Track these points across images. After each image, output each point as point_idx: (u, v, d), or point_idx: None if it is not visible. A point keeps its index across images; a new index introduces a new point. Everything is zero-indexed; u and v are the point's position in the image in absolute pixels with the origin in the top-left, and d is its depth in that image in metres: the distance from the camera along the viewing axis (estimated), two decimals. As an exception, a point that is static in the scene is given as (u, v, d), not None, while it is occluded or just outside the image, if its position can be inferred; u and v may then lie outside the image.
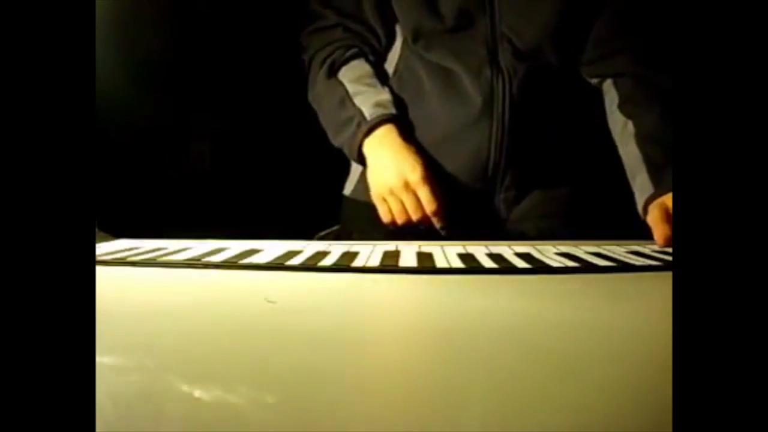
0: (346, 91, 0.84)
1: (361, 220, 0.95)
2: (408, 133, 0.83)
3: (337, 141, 0.86)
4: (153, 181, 2.01)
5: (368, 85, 0.85)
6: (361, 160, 0.84)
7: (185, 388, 0.22)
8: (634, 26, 0.84)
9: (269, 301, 0.39)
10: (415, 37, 0.84)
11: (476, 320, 0.35)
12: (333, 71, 0.86)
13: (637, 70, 0.83)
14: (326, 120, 0.88)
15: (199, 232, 0.75)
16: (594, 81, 0.88)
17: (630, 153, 0.80)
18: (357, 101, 0.83)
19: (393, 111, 0.83)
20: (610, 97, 0.85)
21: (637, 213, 0.76)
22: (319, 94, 0.88)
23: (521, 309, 0.39)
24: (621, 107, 0.83)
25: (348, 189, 0.99)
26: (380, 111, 0.82)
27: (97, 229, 0.69)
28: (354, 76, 0.86)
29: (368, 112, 0.81)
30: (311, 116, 0.91)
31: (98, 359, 0.24)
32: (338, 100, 0.84)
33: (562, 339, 0.32)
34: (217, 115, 2.08)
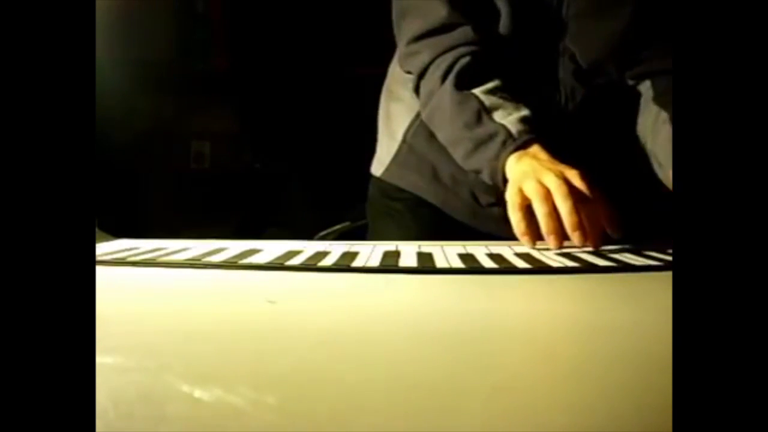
0: (482, 104, 0.73)
1: (396, 203, 0.92)
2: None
3: (471, 161, 0.74)
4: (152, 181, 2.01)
5: (504, 98, 0.74)
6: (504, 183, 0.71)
7: (185, 388, 0.22)
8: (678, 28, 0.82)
9: (269, 302, 0.39)
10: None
11: (476, 320, 0.35)
12: (464, 82, 0.74)
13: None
14: (454, 138, 0.76)
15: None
16: (632, 82, 0.85)
17: (662, 135, 0.76)
18: (497, 116, 0.72)
19: (537, 131, 0.71)
20: (647, 94, 0.83)
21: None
22: (442, 108, 0.76)
23: (521, 309, 0.39)
24: (656, 99, 0.80)
25: (378, 169, 0.95)
26: (527, 128, 0.71)
27: (97, 229, 0.69)
28: (486, 87, 0.74)
29: (514, 128, 0.70)
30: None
31: (98, 359, 0.24)
32: (473, 115, 0.72)
33: (563, 339, 0.32)
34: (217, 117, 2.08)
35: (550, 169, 0.64)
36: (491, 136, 0.71)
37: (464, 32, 0.76)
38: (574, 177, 0.63)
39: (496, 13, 0.77)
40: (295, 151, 2.12)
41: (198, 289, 0.46)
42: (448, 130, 0.77)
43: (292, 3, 2.07)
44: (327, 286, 0.47)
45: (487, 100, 0.73)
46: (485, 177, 0.73)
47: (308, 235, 1.11)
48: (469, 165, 0.75)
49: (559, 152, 0.70)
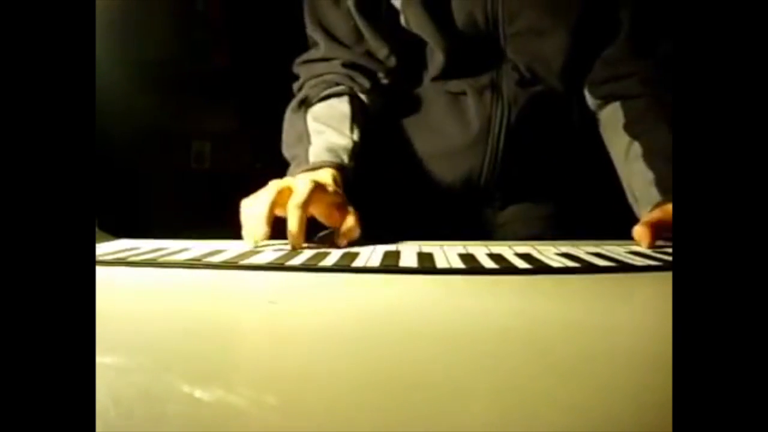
0: (307, 129, 0.79)
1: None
2: (350, 186, 0.73)
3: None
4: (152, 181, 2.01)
5: (333, 127, 0.78)
6: None
7: (185, 388, 0.22)
8: (649, 49, 0.82)
9: (270, 302, 0.39)
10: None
11: (476, 320, 0.35)
12: (303, 106, 0.82)
13: (647, 90, 0.81)
14: (288, 155, 0.82)
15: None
16: (598, 101, 0.86)
17: (636, 171, 0.78)
18: (312, 140, 0.77)
19: (342, 160, 0.74)
20: (616, 117, 0.84)
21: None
22: (285, 125, 0.84)
23: (521, 309, 0.39)
24: (626, 127, 0.82)
25: None
26: (326, 157, 0.74)
27: (97, 229, 0.69)
28: (322, 114, 0.80)
29: (313, 155, 0.75)
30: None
31: (98, 359, 0.24)
32: (297, 136, 0.79)
33: (562, 339, 0.32)
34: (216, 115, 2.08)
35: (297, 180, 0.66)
36: (295, 157, 0.77)
37: (336, 65, 0.84)
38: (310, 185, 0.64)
39: (421, 48, 0.83)
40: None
41: (198, 289, 0.46)
42: (283, 146, 0.83)
43: (292, 3, 2.06)
44: (327, 286, 0.47)
45: (312, 126, 0.79)
46: None
47: (308, 235, 1.10)
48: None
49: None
